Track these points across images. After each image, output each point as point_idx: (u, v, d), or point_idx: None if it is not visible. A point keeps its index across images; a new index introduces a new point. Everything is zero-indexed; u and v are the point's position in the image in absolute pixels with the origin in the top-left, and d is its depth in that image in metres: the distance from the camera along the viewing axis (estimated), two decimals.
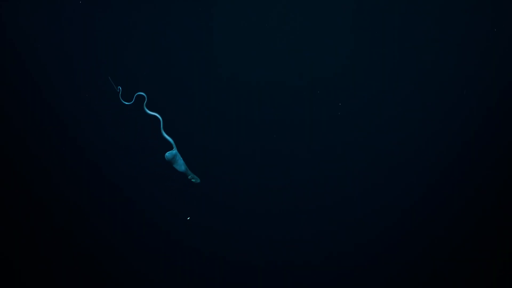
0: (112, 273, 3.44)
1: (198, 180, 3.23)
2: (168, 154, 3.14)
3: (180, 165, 3.16)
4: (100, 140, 3.39)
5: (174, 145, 3.16)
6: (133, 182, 3.41)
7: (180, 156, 3.17)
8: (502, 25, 3.32)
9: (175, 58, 3.39)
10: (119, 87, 3.08)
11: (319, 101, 3.42)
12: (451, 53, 3.39)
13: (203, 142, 3.37)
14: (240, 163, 3.42)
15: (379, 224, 3.46)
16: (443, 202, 3.44)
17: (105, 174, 3.40)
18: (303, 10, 3.41)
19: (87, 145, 3.39)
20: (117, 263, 3.44)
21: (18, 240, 3.39)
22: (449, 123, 3.41)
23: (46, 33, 3.34)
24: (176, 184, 3.40)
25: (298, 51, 3.42)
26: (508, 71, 3.37)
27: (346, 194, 3.46)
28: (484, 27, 3.35)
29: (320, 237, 3.47)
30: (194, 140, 3.34)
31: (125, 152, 3.40)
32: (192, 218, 3.43)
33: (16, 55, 3.36)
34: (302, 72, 3.42)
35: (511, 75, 3.37)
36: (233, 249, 3.47)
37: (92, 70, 3.35)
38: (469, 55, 3.38)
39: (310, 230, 3.47)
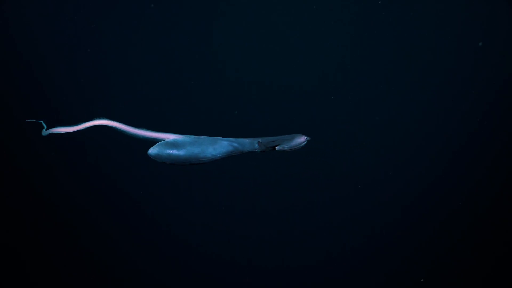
0: (115, 271, 3.47)
1: None
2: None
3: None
4: (102, 138, 3.41)
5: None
6: (135, 180, 3.43)
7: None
8: (497, 28, 3.35)
9: (177, 58, 3.41)
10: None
11: (318, 101, 3.44)
12: (449, 54, 3.42)
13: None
14: (240, 162, 3.43)
15: (376, 223, 3.48)
16: (441, 202, 3.46)
17: (108, 174, 3.43)
18: (303, 12, 3.43)
19: (90, 143, 3.41)
20: (120, 261, 3.46)
21: (23, 237, 3.41)
22: (447, 123, 3.43)
23: (50, 32, 3.36)
24: (176, 182, 3.43)
25: (298, 53, 3.44)
26: (505, 71, 3.39)
27: (345, 194, 3.47)
28: (481, 28, 3.38)
29: (319, 236, 3.49)
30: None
31: (128, 150, 3.42)
32: (193, 218, 3.45)
33: (20, 55, 3.38)
34: (302, 73, 3.44)
35: (507, 76, 3.40)
36: (232, 249, 3.48)
37: (95, 69, 3.37)
38: (467, 56, 3.40)
39: (309, 229, 3.49)
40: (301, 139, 2.14)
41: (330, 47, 3.45)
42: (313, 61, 3.46)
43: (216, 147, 2.15)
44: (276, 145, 2.13)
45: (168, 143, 2.14)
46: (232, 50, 3.44)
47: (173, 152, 2.12)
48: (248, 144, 2.16)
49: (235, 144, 2.16)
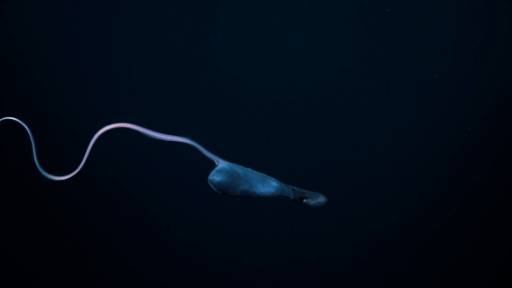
0: (115, 271, 3.46)
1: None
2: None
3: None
4: (102, 138, 3.40)
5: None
6: (135, 180, 3.43)
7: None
8: (497, 28, 3.35)
9: (178, 59, 3.41)
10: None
11: (318, 101, 3.44)
12: (449, 54, 3.41)
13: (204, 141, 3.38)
14: (240, 162, 3.43)
15: (376, 224, 3.48)
16: (441, 202, 3.46)
17: (108, 174, 3.42)
18: (304, 12, 3.43)
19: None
20: (120, 261, 3.46)
21: (23, 237, 3.41)
22: (447, 123, 3.43)
23: (50, 32, 3.36)
24: (177, 182, 3.42)
25: (299, 53, 3.44)
26: (505, 71, 3.39)
27: (345, 194, 3.47)
28: (481, 28, 3.38)
29: (319, 236, 3.49)
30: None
31: (129, 150, 3.41)
32: (193, 218, 3.45)
33: (20, 54, 3.38)
34: (303, 73, 3.44)
35: (507, 76, 3.39)
36: (232, 248, 3.48)
37: (96, 69, 3.37)
38: (467, 56, 3.40)
39: (309, 229, 3.48)
40: (323, 199, 2.23)
41: (330, 47, 3.45)
42: (313, 61, 3.46)
43: (265, 185, 2.21)
44: (305, 198, 2.22)
45: (228, 172, 2.12)
46: (232, 50, 3.44)
47: (232, 184, 2.13)
48: (287, 189, 2.24)
49: (280, 188, 2.22)
